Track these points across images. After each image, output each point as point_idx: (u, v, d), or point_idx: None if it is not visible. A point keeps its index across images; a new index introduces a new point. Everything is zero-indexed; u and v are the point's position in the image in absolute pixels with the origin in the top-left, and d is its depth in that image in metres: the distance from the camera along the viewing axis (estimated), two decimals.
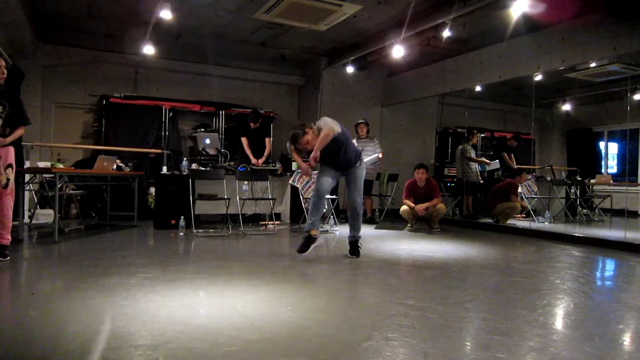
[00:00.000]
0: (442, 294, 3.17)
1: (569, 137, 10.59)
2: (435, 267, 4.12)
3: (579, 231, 6.69)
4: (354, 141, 5.81)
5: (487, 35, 6.88)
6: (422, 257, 4.64)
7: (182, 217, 5.72)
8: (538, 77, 7.09)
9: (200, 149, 6.91)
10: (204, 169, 6.47)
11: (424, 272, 4.01)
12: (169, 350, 2.02)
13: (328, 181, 4.35)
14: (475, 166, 7.99)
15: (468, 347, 2.26)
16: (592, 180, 8.64)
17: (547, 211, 7.91)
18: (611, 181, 8.76)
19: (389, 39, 6.69)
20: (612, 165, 10.17)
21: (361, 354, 2.07)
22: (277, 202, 6.94)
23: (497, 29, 6.41)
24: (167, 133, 7.87)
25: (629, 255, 4.99)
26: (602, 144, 10.08)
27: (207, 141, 6.85)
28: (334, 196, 6.67)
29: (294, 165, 7.16)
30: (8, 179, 3.72)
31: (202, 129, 8.21)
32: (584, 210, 8.63)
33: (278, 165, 6.97)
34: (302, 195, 6.40)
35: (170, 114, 7.95)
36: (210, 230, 6.02)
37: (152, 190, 6.95)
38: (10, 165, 3.75)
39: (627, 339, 2.44)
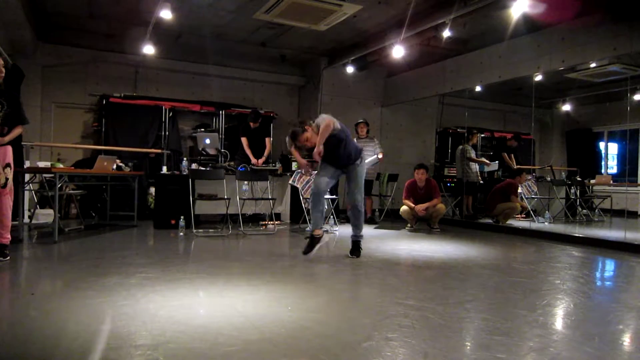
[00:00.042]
0: (442, 294, 3.17)
1: (569, 137, 10.59)
2: (435, 267, 4.12)
3: (578, 231, 6.69)
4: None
5: (487, 36, 6.88)
6: (422, 257, 4.64)
7: (182, 217, 5.72)
8: (538, 78, 7.08)
9: (200, 149, 6.91)
10: (204, 169, 6.47)
11: (424, 272, 4.01)
12: (169, 350, 2.02)
13: (326, 180, 4.35)
14: (475, 166, 7.99)
15: (468, 347, 2.26)
16: (592, 181, 8.64)
17: (547, 211, 7.91)
18: (611, 181, 8.76)
19: (389, 39, 6.69)
20: (612, 165, 10.17)
21: (361, 354, 2.07)
22: (277, 202, 6.94)
23: (497, 29, 6.41)
24: (167, 133, 7.87)
25: (628, 256, 4.99)
26: (602, 145, 10.08)
27: (207, 141, 6.85)
28: (334, 196, 6.67)
29: (294, 165, 7.16)
30: (7, 179, 3.72)
31: (202, 129, 8.21)
32: (584, 211, 8.63)
33: (278, 165, 6.97)
34: (302, 195, 6.40)
35: (170, 114, 7.95)
36: (210, 230, 6.02)
37: (152, 190, 6.95)
38: (8, 165, 3.74)
39: (626, 340, 2.44)
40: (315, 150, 4.11)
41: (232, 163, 6.77)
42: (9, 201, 3.77)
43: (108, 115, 7.56)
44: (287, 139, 4.36)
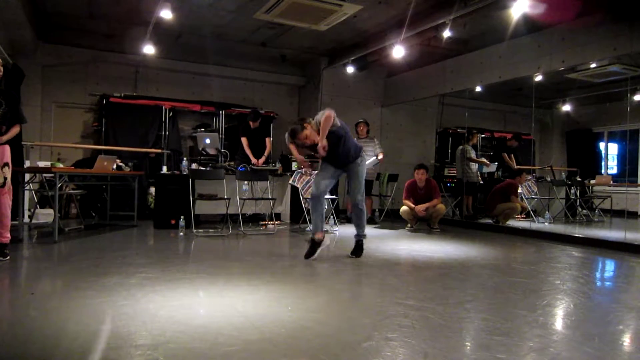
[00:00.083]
0: (442, 294, 3.17)
1: (569, 137, 10.58)
2: (435, 268, 4.12)
3: (578, 232, 6.69)
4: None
5: (488, 36, 6.88)
6: (422, 257, 4.64)
7: (182, 217, 5.72)
8: (538, 78, 7.08)
9: (200, 148, 6.91)
10: (204, 168, 6.47)
11: (424, 272, 4.01)
12: (169, 350, 2.02)
13: (325, 182, 4.32)
14: (475, 166, 8.00)
15: (468, 348, 2.26)
16: (592, 181, 8.64)
17: (547, 212, 7.91)
18: (611, 182, 8.76)
19: (389, 39, 6.69)
20: (612, 165, 10.17)
21: (361, 354, 2.07)
22: (277, 202, 6.94)
23: (498, 29, 6.41)
24: (167, 133, 7.87)
25: (628, 256, 4.99)
26: (602, 145, 10.08)
27: (207, 141, 6.85)
28: (334, 196, 6.67)
29: (294, 165, 7.16)
30: (5, 178, 3.72)
31: (202, 129, 8.21)
32: (584, 211, 8.63)
33: (278, 165, 6.97)
34: (302, 195, 6.40)
35: (171, 114, 7.95)
36: (210, 230, 6.02)
37: (152, 190, 6.95)
38: (6, 164, 3.74)
39: (626, 340, 2.44)
40: (320, 144, 4.04)
41: (232, 163, 6.77)
42: (7, 200, 3.77)
43: (108, 115, 7.56)
44: (286, 136, 4.30)
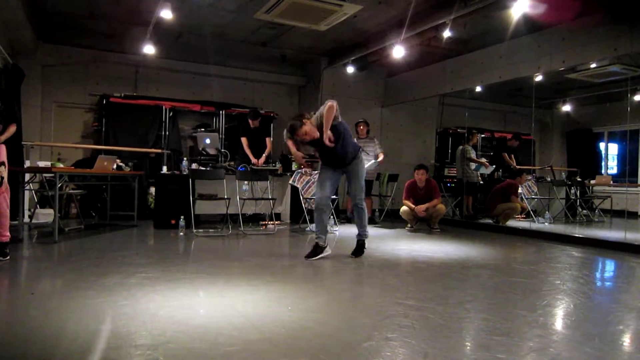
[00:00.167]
0: (442, 294, 3.17)
1: (569, 137, 10.58)
2: (435, 268, 4.12)
3: (579, 232, 6.69)
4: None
5: (488, 36, 6.88)
6: (422, 257, 4.64)
7: (182, 217, 5.72)
8: (538, 78, 7.08)
9: (200, 148, 6.91)
10: (204, 168, 6.47)
11: (424, 272, 4.00)
12: (169, 350, 2.02)
13: (326, 194, 4.31)
14: (474, 166, 7.99)
15: (468, 348, 2.26)
16: (592, 181, 8.64)
17: (547, 212, 7.91)
18: (611, 182, 8.76)
19: (389, 39, 6.69)
20: (612, 166, 10.17)
21: (361, 354, 2.07)
22: (277, 202, 6.94)
23: (498, 29, 6.41)
24: (167, 133, 7.87)
25: (629, 256, 4.99)
26: (602, 145, 10.08)
27: (207, 141, 6.85)
28: (334, 196, 6.66)
29: (294, 165, 7.16)
30: (2, 177, 3.72)
31: (202, 129, 8.21)
32: (584, 211, 8.63)
33: (278, 165, 6.96)
34: (302, 195, 6.40)
35: (171, 114, 7.95)
36: (210, 230, 6.02)
37: (152, 190, 6.95)
38: (2, 163, 3.74)
39: (626, 340, 2.44)
40: (325, 136, 3.97)
41: (232, 163, 6.77)
42: (6, 199, 3.78)
43: (108, 115, 7.56)
44: (284, 132, 4.24)
